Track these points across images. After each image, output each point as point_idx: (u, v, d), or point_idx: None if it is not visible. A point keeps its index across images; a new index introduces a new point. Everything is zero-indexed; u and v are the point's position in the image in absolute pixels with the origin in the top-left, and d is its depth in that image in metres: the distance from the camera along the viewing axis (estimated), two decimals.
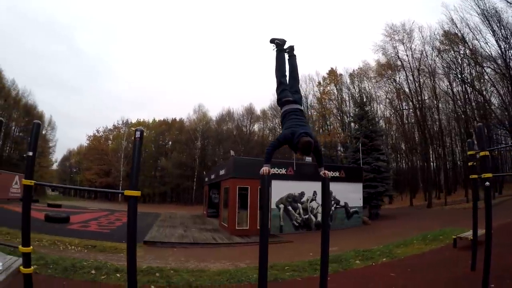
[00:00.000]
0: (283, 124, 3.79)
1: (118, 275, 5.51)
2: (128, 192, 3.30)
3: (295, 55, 4.18)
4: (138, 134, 3.44)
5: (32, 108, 50.21)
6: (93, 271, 5.41)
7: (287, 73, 4.10)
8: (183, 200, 51.45)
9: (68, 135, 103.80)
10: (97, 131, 61.39)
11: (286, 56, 4.18)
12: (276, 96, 4.08)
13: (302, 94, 4.06)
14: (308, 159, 19.73)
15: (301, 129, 3.41)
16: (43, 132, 53.10)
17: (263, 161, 3.61)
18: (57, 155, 70.60)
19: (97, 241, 10.37)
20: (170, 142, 59.78)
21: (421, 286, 4.80)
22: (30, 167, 3.74)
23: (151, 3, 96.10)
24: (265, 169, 3.42)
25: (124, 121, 61.13)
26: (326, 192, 3.87)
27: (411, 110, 35.25)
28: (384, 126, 39.73)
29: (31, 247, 3.59)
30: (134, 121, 61.13)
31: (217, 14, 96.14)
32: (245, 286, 5.01)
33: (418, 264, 6.17)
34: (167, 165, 53.20)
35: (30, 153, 3.79)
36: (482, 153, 4.32)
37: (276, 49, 4.13)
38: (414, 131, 36.67)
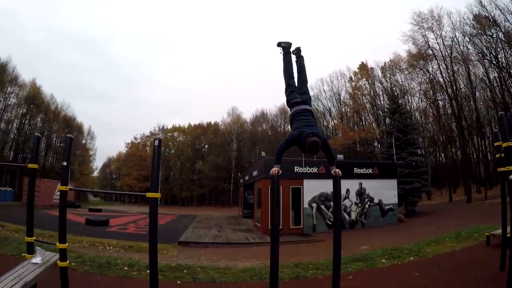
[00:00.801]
0: (292, 125, 3.87)
1: (148, 271, 5.63)
2: (149, 194, 3.58)
3: (302, 56, 4.20)
4: (156, 142, 3.73)
5: (71, 120, 53.44)
6: (125, 268, 5.72)
7: (295, 75, 4.13)
8: (220, 202, 52.33)
9: (108, 143, 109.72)
10: (135, 138, 64.05)
11: (294, 58, 4.21)
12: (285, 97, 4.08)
13: (311, 94, 4.06)
14: (340, 156, 19.39)
15: (308, 129, 3.44)
16: (83, 142, 56.37)
17: (274, 161, 3.65)
18: (98, 163, 74.56)
19: (134, 241, 10.74)
20: (206, 146, 60.95)
21: (444, 286, 4.58)
22: (65, 175, 4.28)
23: (182, 11, 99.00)
24: (275, 169, 3.46)
25: (160, 127, 63.37)
26: (337, 191, 3.81)
27: (446, 101, 33.43)
28: (419, 119, 38.09)
29: (67, 244, 4.02)
30: (170, 126, 63.38)
31: (248, 16, 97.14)
32: (266, 283, 5.00)
33: (446, 263, 5.91)
34: (204, 168, 54.38)
35: (65, 163, 4.29)
36: (504, 144, 4.00)
37: (282, 52, 4.16)
38: (451, 122, 34.45)
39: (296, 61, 4.17)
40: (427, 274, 5.28)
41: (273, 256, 3.40)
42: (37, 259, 3.92)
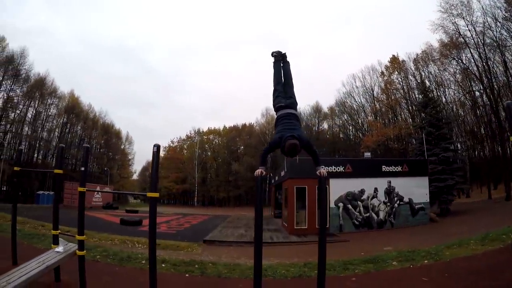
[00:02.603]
0: (276, 128, 3.97)
1: (163, 265, 6.43)
2: (149, 194, 4.18)
3: (288, 62, 4.41)
4: (155, 149, 4.21)
5: (110, 127, 56.76)
6: (143, 261, 6.24)
7: (283, 80, 4.32)
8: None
9: (148, 148, 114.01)
10: (172, 141, 66.48)
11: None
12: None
13: (296, 98, 4.18)
14: (367, 154, 19.06)
15: (288, 132, 3.54)
16: (122, 147, 59.33)
17: (259, 163, 3.80)
18: (137, 166, 77.95)
19: (162, 240, 11.17)
20: (242, 147, 61.75)
21: None
22: (83, 178, 4.88)
23: (215, 16, 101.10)
24: (258, 171, 3.56)
25: (196, 130, 65.23)
26: (322, 192, 3.91)
27: (482, 91, 31.49)
28: (456, 111, 36.18)
29: (85, 236, 4.63)
30: (205, 129, 65.26)
31: (278, 15, 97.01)
32: (266, 281, 5.19)
33: (461, 269, 5.53)
34: (239, 169, 55.11)
35: (83, 168, 4.92)
36: None
37: (274, 60, 4.40)
38: (490, 113, 31.88)
39: (282, 67, 4.37)
40: (436, 280, 5.04)
41: (257, 256, 3.55)
42: (59, 249, 4.62)
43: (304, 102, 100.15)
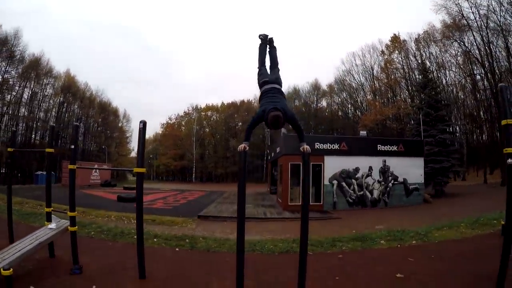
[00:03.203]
0: (260, 103, 3.93)
1: (155, 239, 6.68)
2: (136, 170, 4.26)
3: (275, 47, 4.37)
4: (141, 125, 4.31)
5: (107, 105, 56.50)
6: (135, 237, 6.26)
7: (268, 63, 4.31)
8: (254, 178, 52.82)
9: (147, 125, 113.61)
10: (170, 118, 66.37)
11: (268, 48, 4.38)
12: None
13: (281, 79, 4.14)
14: (363, 133, 19.02)
15: (271, 105, 3.52)
16: (120, 125, 59.25)
17: (243, 138, 3.78)
18: (134, 144, 77.79)
19: (158, 216, 11.41)
20: (240, 123, 61.63)
21: (430, 276, 4.37)
22: (74, 156, 4.99)
23: None
24: (241, 146, 3.59)
25: (194, 107, 64.96)
26: (306, 168, 3.89)
27: (482, 75, 31.18)
28: (455, 94, 35.97)
29: (76, 212, 4.72)
30: (203, 106, 64.93)
31: None
32: (254, 255, 5.33)
33: (448, 251, 5.63)
34: (237, 145, 54.54)
35: (72, 146, 5.10)
36: (503, 122, 3.61)
37: (260, 42, 4.34)
38: (490, 98, 31.70)
39: (269, 51, 4.34)
40: (421, 261, 5.12)
41: (239, 229, 3.64)
42: (52, 225, 4.76)
43: (302, 79, 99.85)
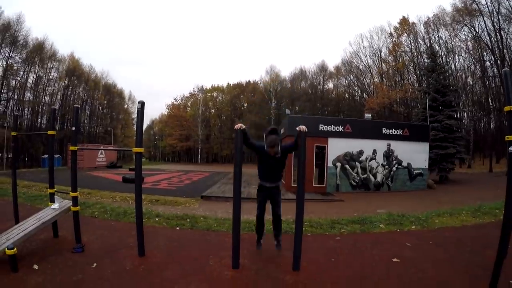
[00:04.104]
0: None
1: (156, 219, 6.84)
2: (135, 149, 4.32)
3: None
4: (139, 106, 4.40)
5: (111, 87, 56.57)
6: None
7: None
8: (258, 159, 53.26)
9: (151, 105, 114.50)
10: (175, 99, 66.37)
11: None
12: None
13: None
14: (368, 115, 18.84)
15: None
16: (125, 106, 59.45)
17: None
18: None
19: (162, 196, 11.67)
20: (245, 104, 62.07)
21: (426, 262, 4.38)
22: (75, 138, 4.98)
23: None
24: (238, 125, 4.18)
25: (199, 88, 65.06)
26: (302, 147, 4.07)
27: (492, 61, 30.42)
28: (464, 79, 35.26)
29: (78, 192, 4.77)
30: (209, 86, 65.01)
31: None
32: (252, 235, 5.39)
33: (447, 238, 5.61)
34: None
35: (73, 128, 4.98)
36: (507, 108, 3.48)
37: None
38: (499, 85, 31.14)
39: None
40: (419, 246, 5.12)
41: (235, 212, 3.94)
42: (55, 206, 4.86)
43: (309, 60, 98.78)
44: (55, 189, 5.12)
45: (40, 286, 3.33)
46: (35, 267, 3.81)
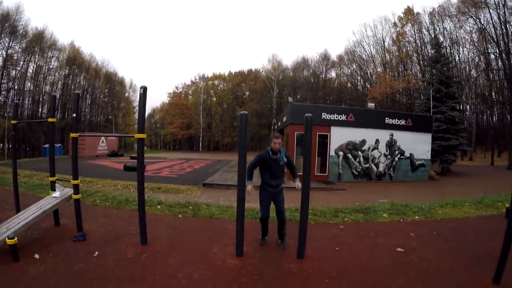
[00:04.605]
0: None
1: (158, 206, 6.84)
2: (137, 135, 4.25)
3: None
4: (141, 91, 4.29)
5: (112, 75, 56.34)
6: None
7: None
8: (262, 147, 53.07)
9: (153, 94, 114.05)
10: (176, 87, 66.09)
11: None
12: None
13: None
14: (371, 105, 18.64)
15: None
16: (126, 95, 59.21)
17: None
18: None
19: (164, 184, 11.53)
20: (247, 93, 61.71)
21: (430, 252, 4.35)
22: (75, 125, 4.90)
23: None
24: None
25: (201, 76, 64.73)
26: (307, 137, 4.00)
27: (497, 54, 29.99)
28: (468, 72, 34.91)
29: (79, 180, 4.71)
30: (210, 75, 64.52)
31: None
32: (255, 223, 5.39)
33: (450, 229, 5.58)
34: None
35: (74, 115, 4.88)
36: None
37: None
38: (503, 79, 30.79)
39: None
40: (422, 237, 5.10)
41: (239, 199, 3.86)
42: (56, 194, 4.79)
43: (312, 49, 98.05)
44: (56, 177, 5.07)
45: (41, 275, 3.28)
46: (36, 256, 3.77)
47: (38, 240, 4.41)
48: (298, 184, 4.45)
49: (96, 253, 3.96)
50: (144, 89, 4.25)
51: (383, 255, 4.26)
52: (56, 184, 4.98)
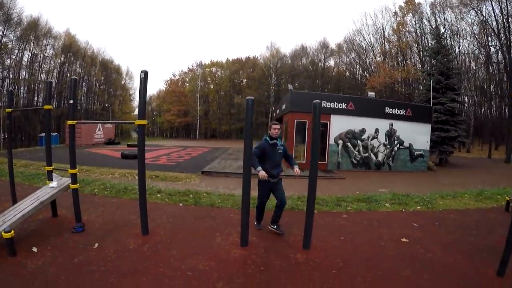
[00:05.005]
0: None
1: (158, 195, 6.71)
2: (137, 122, 4.13)
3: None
4: (142, 75, 4.12)
5: (108, 62, 55.45)
6: (138, 193, 6.34)
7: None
8: (259, 135, 52.90)
9: (149, 81, 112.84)
10: (173, 75, 65.45)
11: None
12: None
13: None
14: (371, 94, 18.47)
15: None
16: (122, 82, 58.58)
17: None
18: (138, 101, 77.27)
19: (162, 171, 11.39)
20: (245, 80, 61.07)
21: (434, 243, 4.31)
22: (73, 111, 4.64)
23: None
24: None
25: (198, 63, 63.94)
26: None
27: (497, 48, 29.71)
28: (467, 64, 34.68)
29: (77, 169, 4.55)
30: (207, 62, 63.82)
31: None
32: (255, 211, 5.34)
33: (452, 221, 5.56)
34: (242, 102, 54.38)
35: (71, 101, 4.61)
36: None
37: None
38: (503, 72, 30.57)
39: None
40: (425, 227, 5.08)
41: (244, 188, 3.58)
42: (53, 184, 4.63)
43: (311, 38, 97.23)
44: (52, 167, 4.93)
45: (39, 270, 3.15)
46: (34, 249, 3.63)
47: (36, 232, 4.26)
48: (297, 169, 4.50)
49: (96, 244, 3.84)
50: (145, 74, 4.08)
51: (388, 245, 4.22)
52: (53, 174, 4.82)
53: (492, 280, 3.25)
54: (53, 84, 43.63)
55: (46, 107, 4.81)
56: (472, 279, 3.28)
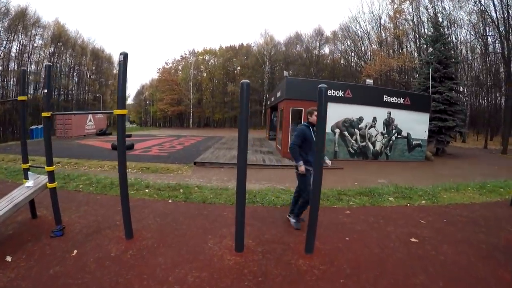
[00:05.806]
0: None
1: (146, 190, 6.31)
2: (116, 111, 3.60)
3: None
4: (121, 57, 3.59)
5: (100, 51, 54.33)
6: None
7: None
8: (253, 124, 52.14)
9: (141, 70, 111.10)
10: (166, 63, 64.43)
11: None
12: None
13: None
14: (369, 81, 18.06)
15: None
16: (114, 71, 57.61)
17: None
18: (131, 91, 76.21)
19: (153, 163, 10.95)
20: (238, 68, 60.24)
21: (445, 243, 4.03)
22: (48, 102, 4.17)
23: None
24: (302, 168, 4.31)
25: (191, 51, 62.91)
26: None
27: (496, 38, 29.21)
28: (464, 54, 34.31)
29: (54, 166, 4.13)
30: (200, 50, 62.80)
31: None
32: (254, 208, 5.07)
33: (460, 216, 5.29)
34: (235, 90, 54.16)
35: (46, 91, 4.13)
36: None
37: None
38: (499, 63, 30.01)
39: None
40: (434, 224, 4.79)
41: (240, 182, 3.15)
42: (29, 183, 4.18)
43: (306, 26, 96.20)
44: (29, 164, 4.48)
45: (12, 284, 2.76)
46: (8, 259, 3.22)
47: (12, 237, 3.83)
48: (328, 161, 4.52)
49: (75, 251, 3.43)
50: (124, 56, 3.56)
51: (397, 246, 3.89)
52: (29, 172, 4.36)
53: (510, 286, 2.97)
54: (43, 75, 42.67)
55: (20, 98, 4.33)
56: (489, 284, 3.00)
